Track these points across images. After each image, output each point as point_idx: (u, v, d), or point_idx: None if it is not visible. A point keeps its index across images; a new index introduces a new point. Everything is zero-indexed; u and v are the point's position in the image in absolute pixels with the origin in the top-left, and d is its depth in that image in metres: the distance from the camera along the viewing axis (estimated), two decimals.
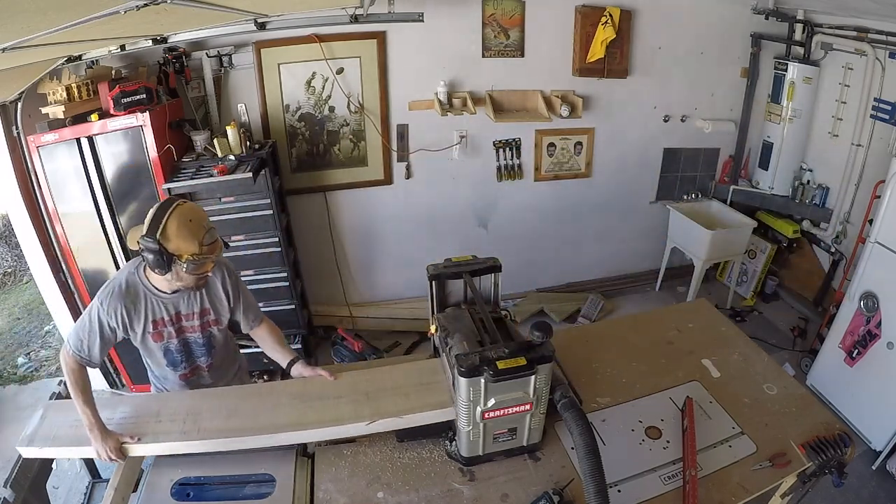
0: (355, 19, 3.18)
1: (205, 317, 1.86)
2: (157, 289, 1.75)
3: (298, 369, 1.90)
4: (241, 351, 3.38)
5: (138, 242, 1.62)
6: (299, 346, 3.43)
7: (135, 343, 1.82)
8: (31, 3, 1.18)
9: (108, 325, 1.70)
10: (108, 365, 3.50)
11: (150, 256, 1.60)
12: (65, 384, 2.16)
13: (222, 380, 2.09)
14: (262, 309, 3.31)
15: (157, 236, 1.57)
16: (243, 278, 3.22)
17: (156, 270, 1.65)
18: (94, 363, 1.73)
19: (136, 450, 1.63)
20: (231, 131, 2.98)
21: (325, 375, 1.82)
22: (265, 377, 3.55)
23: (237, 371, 2.22)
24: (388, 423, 1.64)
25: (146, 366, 1.98)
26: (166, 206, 1.62)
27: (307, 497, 1.58)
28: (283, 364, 1.96)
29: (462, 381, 1.44)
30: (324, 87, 3.39)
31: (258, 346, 3.50)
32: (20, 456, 1.84)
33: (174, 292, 1.77)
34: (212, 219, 3.08)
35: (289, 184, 3.54)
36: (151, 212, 1.62)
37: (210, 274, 1.75)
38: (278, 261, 3.25)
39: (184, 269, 1.63)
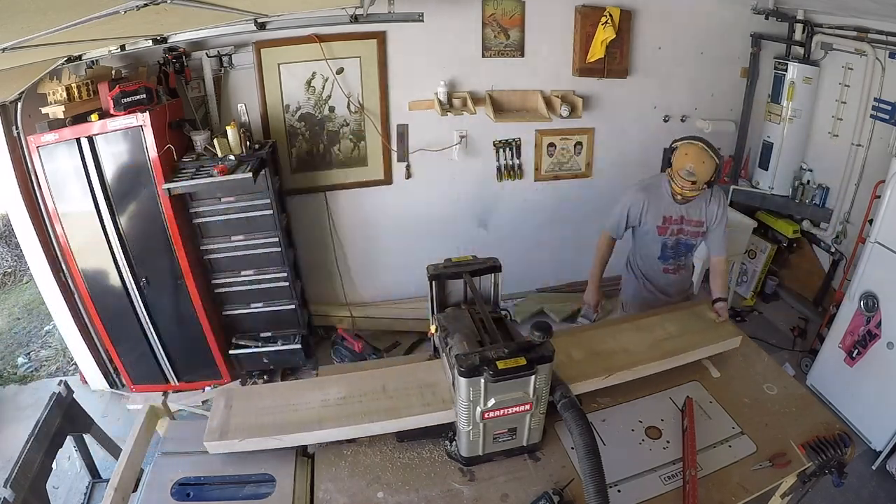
0: (355, 19, 3.18)
1: (699, 227, 2.45)
2: (674, 194, 2.35)
3: (720, 306, 2.26)
4: (242, 351, 3.42)
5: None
6: (299, 345, 3.43)
7: (642, 230, 2.51)
8: (31, 3, 1.18)
9: (634, 205, 2.43)
10: (108, 365, 3.51)
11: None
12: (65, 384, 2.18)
13: (677, 295, 2.74)
14: (263, 309, 3.38)
15: (672, 150, 2.32)
16: (243, 278, 3.27)
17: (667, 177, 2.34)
18: (618, 236, 2.58)
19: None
20: (231, 131, 2.98)
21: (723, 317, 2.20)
22: (265, 377, 3.56)
23: (689, 288, 2.87)
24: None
25: (635, 256, 2.73)
26: (683, 139, 2.31)
27: (307, 497, 1.58)
28: (714, 296, 2.39)
29: (462, 381, 1.44)
30: (324, 87, 3.39)
31: (256, 347, 3.53)
32: (20, 456, 1.84)
33: (686, 202, 2.37)
34: (212, 219, 3.13)
35: (289, 184, 3.54)
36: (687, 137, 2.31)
37: (690, 196, 2.31)
38: (278, 261, 3.25)
39: (674, 180, 2.28)
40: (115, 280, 3.06)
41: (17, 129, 2.88)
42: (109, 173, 2.84)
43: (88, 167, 2.79)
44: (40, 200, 2.99)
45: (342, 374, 1.87)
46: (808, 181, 3.90)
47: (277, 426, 1.63)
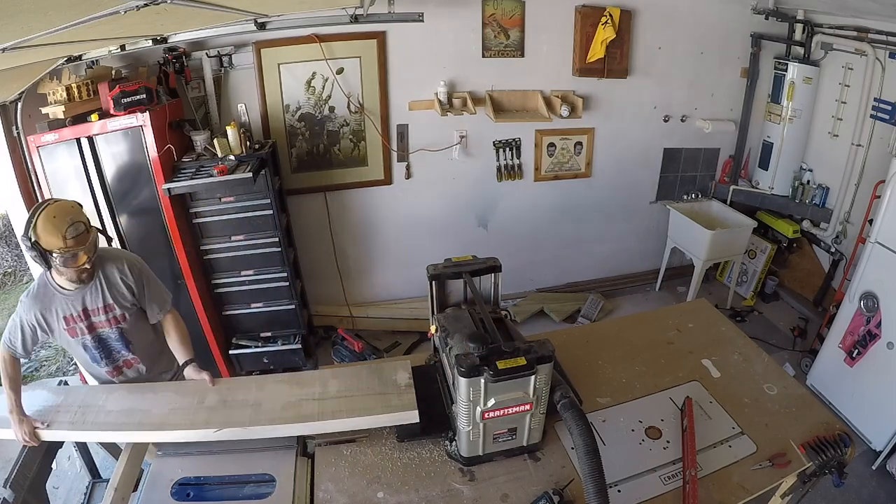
0: (355, 19, 3.18)
1: (110, 312, 1.95)
2: (60, 287, 1.88)
3: (189, 372, 2.03)
4: (242, 351, 3.41)
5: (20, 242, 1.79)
6: (299, 345, 3.43)
7: (58, 341, 1.97)
8: (31, 3, 1.18)
9: (28, 323, 1.88)
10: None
11: (31, 254, 1.74)
12: (65, 384, 2.17)
13: (156, 373, 2.20)
14: (263, 309, 3.37)
15: (30, 234, 1.71)
16: (243, 278, 3.26)
17: (43, 267, 1.80)
18: (22, 355, 1.93)
19: (44, 435, 1.79)
20: (231, 131, 2.97)
21: (208, 380, 1.95)
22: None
23: (169, 360, 2.25)
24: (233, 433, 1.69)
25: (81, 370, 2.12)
26: (37, 207, 1.75)
27: (307, 497, 1.58)
28: (180, 362, 2.08)
29: (462, 381, 1.44)
30: (324, 87, 3.39)
31: (256, 347, 3.52)
32: (20, 456, 1.84)
33: (76, 289, 1.88)
34: (212, 219, 3.12)
35: (289, 184, 3.54)
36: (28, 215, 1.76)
37: (87, 266, 1.82)
38: (278, 261, 3.25)
39: (58, 263, 1.74)
40: None
41: (17, 129, 2.88)
42: (109, 173, 2.83)
43: (88, 167, 2.79)
44: (40, 201, 2.98)
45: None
46: (808, 181, 3.90)
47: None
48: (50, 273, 1.85)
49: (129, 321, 2.00)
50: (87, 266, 1.81)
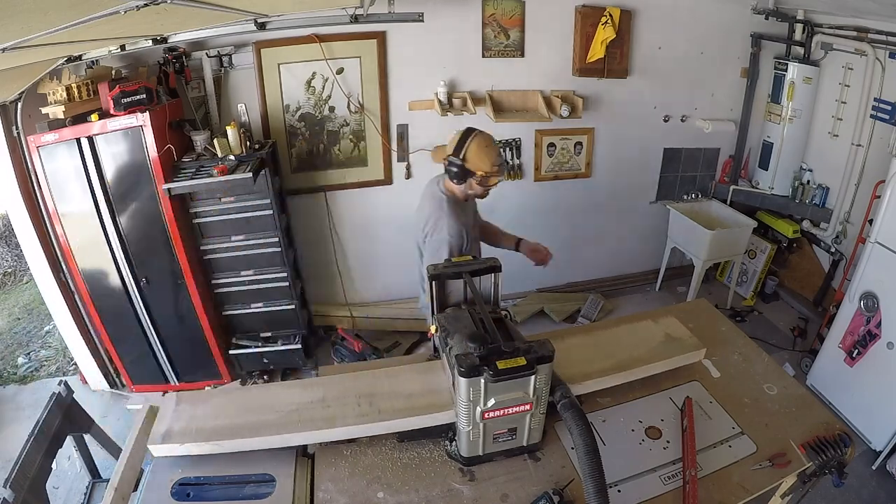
0: (355, 19, 3.18)
1: (476, 223, 2.45)
2: (454, 196, 2.27)
3: (526, 245, 2.59)
4: (242, 351, 3.42)
5: (445, 160, 2.17)
6: (299, 345, 3.43)
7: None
8: (31, 3, 1.18)
9: (460, 233, 2.19)
10: (108, 365, 3.51)
11: (453, 170, 2.15)
12: (65, 384, 2.17)
13: None
14: (263, 309, 3.39)
15: (461, 155, 2.12)
16: (243, 278, 3.27)
17: (454, 181, 2.19)
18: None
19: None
20: (231, 131, 2.98)
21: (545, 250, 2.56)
22: (265, 377, 3.56)
23: None
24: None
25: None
26: (466, 135, 2.15)
27: (307, 497, 1.58)
28: (511, 244, 2.67)
29: (462, 381, 1.44)
30: (324, 87, 3.39)
31: (256, 347, 3.52)
32: (20, 456, 1.84)
33: (465, 200, 2.30)
34: (212, 219, 3.13)
35: (289, 184, 3.54)
36: (455, 138, 2.16)
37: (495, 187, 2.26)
38: (278, 261, 3.25)
39: (475, 182, 2.17)
40: (115, 280, 3.07)
41: (17, 129, 2.88)
42: (109, 173, 2.84)
43: (88, 167, 2.79)
44: (40, 200, 2.99)
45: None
46: (808, 181, 3.91)
47: (223, 431, 1.60)
48: (444, 185, 2.25)
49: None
50: (495, 186, 2.26)
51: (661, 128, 4.04)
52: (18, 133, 2.88)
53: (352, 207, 3.77)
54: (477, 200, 2.43)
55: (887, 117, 3.23)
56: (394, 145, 3.64)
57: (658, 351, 1.89)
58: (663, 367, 1.87)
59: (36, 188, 2.96)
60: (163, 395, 3.26)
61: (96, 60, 2.97)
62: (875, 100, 3.31)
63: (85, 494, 2.45)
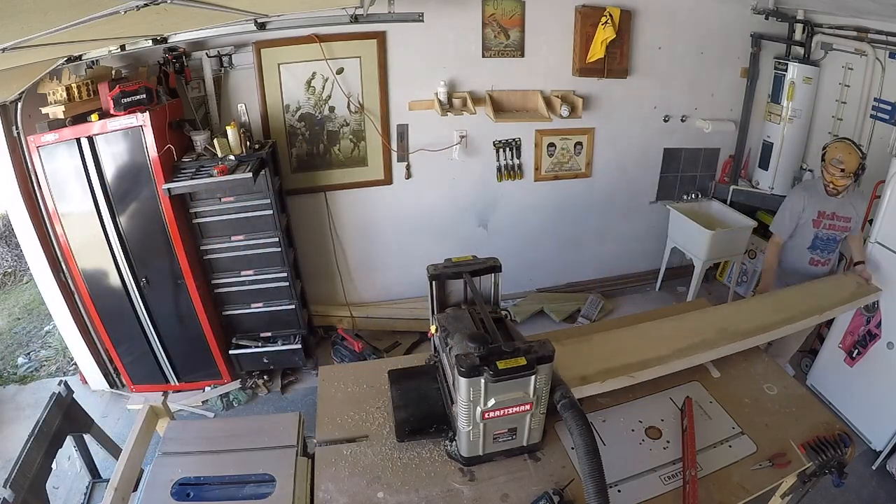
0: (355, 19, 3.18)
1: (847, 222, 2.76)
2: (826, 184, 2.70)
3: (859, 267, 2.72)
4: (242, 351, 3.41)
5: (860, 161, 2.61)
6: (299, 346, 3.43)
7: (799, 224, 2.80)
8: (31, 3, 1.18)
9: (795, 210, 2.78)
10: (108, 365, 3.51)
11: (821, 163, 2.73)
12: (65, 384, 2.18)
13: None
14: (263, 309, 3.38)
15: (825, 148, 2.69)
16: (243, 278, 3.27)
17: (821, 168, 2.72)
18: (784, 237, 2.85)
19: None
20: (231, 131, 2.97)
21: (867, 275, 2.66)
22: (265, 377, 3.56)
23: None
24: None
25: (783, 250, 2.90)
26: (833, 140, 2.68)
27: (307, 497, 1.58)
28: (855, 259, 2.80)
29: (462, 381, 1.44)
30: (324, 87, 3.39)
31: (256, 347, 3.52)
32: (20, 456, 1.84)
33: (837, 194, 2.69)
34: (212, 219, 3.13)
35: (289, 184, 3.54)
36: None
37: (840, 188, 2.66)
38: (278, 261, 3.25)
39: (826, 172, 2.65)
40: (115, 280, 3.07)
41: (17, 129, 2.88)
42: (109, 173, 2.84)
43: (88, 167, 2.79)
44: (40, 200, 2.98)
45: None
46: None
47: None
48: (823, 173, 2.70)
49: (846, 234, 2.80)
50: (839, 188, 2.66)
51: (661, 128, 4.04)
52: (18, 133, 2.88)
53: (352, 207, 3.77)
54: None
55: (887, 117, 3.23)
56: (394, 145, 3.64)
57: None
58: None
59: (36, 188, 2.96)
60: (163, 395, 3.27)
61: (96, 60, 2.97)
62: (875, 100, 3.31)
63: (85, 494, 2.45)
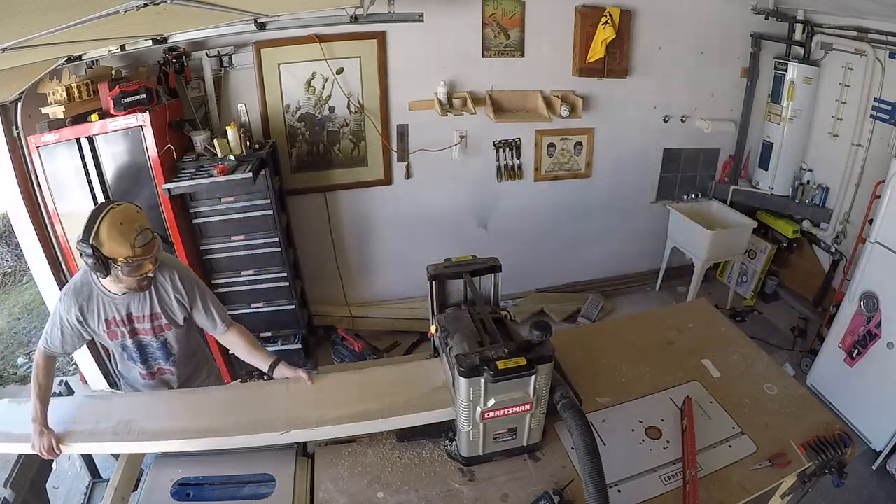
0: (355, 19, 3.18)
1: (156, 321, 1.87)
2: (106, 289, 1.78)
3: (281, 371, 1.87)
4: None
5: (76, 246, 1.65)
6: (299, 346, 3.43)
7: (99, 340, 1.91)
8: (31, 3, 1.18)
9: (67, 321, 1.78)
10: (109, 365, 3.50)
11: (89, 260, 1.63)
12: (65, 384, 2.17)
13: (190, 384, 2.09)
14: (263, 309, 3.37)
15: (91, 241, 1.60)
16: (243, 278, 3.26)
17: (97, 274, 1.70)
18: (59, 354, 1.87)
19: (71, 448, 1.68)
20: (231, 131, 2.98)
21: (305, 378, 1.80)
22: (265, 377, 3.55)
23: (207, 376, 2.19)
24: (386, 423, 1.64)
25: (113, 364, 2.09)
26: (99, 211, 1.64)
27: (307, 497, 1.58)
28: (265, 368, 1.91)
29: (462, 381, 1.44)
30: (324, 87, 3.39)
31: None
32: (20, 456, 1.84)
33: (123, 293, 1.79)
34: (212, 219, 3.12)
35: (289, 184, 3.54)
36: (87, 216, 1.64)
37: (151, 275, 1.76)
38: (278, 261, 3.25)
39: (120, 272, 1.66)
40: None
41: (17, 129, 2.88)
42: (109, 173, 2.84)
43: (88, 167, 2.79)
44: (40, 200, 2.98)
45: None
46: (808, 181, 3.90)
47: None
48: (95, 274, 1.74)
49: (174, 333, 1.92)
50: (150, 275, 1.74)
51: (661, 128, 4.04)
52: (18, 133, 2.88)
53: (352, 207, 3.77)
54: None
55: (887, 117, 3.23)
56: (394, 145, 3.64)
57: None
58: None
59: (36, 188, 2.96)
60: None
61: (96, 60, 2.97)
62: (875, 100, 3.31)
63: (85, 494, 2.45)
